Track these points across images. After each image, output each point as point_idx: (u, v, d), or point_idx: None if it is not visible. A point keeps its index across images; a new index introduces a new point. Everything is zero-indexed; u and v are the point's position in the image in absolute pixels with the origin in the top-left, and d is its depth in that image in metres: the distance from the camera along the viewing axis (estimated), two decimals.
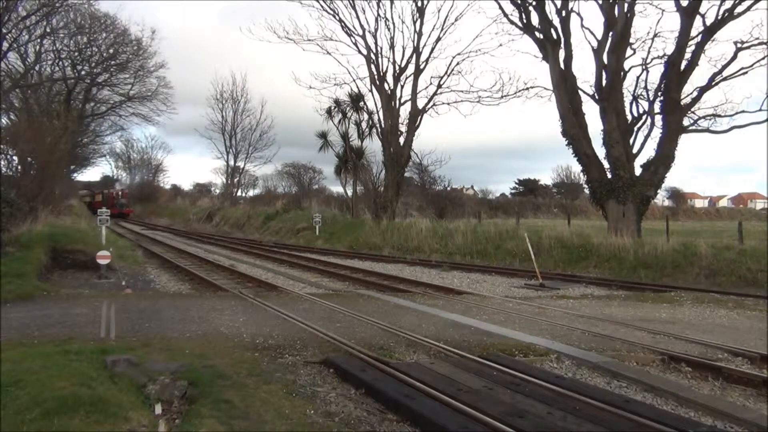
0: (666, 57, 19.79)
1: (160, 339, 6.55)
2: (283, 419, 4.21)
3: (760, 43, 18.70)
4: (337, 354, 6.07)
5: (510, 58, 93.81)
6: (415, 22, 27.70)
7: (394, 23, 27.97)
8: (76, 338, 6.38)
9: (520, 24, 22.01)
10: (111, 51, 36.93)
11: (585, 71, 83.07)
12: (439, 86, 27.80)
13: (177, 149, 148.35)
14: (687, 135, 20.25)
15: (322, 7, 27.86)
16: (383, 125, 28.17)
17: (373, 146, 32.55)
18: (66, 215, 23.53)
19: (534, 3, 21.08)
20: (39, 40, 30.49)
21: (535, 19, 21.32)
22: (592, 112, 21.98)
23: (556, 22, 20.76)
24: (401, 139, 27.99)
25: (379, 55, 28.04)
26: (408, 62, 28.02)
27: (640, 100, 20.79)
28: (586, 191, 32.94)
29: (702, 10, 18.89)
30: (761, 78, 39.71)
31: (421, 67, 27.81)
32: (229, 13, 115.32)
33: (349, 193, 34.00)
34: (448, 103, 28.32)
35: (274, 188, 59.67)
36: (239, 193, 58.25)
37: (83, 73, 37.25)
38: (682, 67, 19.21)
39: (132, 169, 76.48)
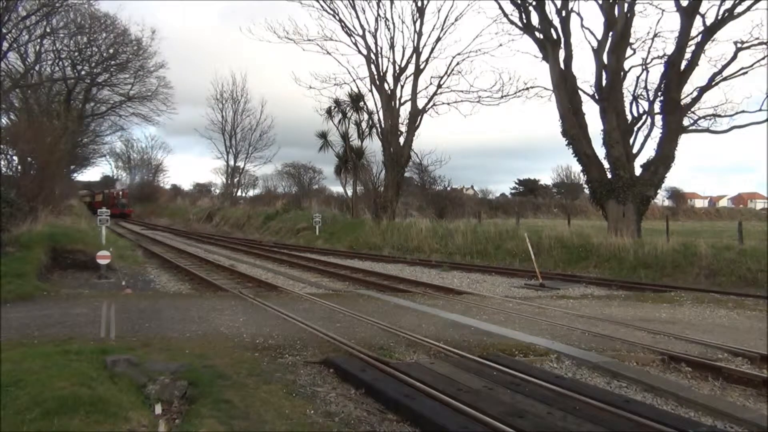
0: (666, 57, 19.80)
1: (160, 339, 6.55)
2: (283, 419, 4.21)
3: (760, 43, 18.71)
4: (337, 354, 6.07)
5: (510, 58, 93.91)
6: (415, 22, 27.74)
7: (394, 23, 28.03)
8: (76, 338, 6.38)
9: (520, 24, 22.02)
10: (111, 51, 36.95)
11: (585, 71, 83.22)
12: (439, 86, 27.84)
13: (177, 149, 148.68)
14: (687, 135, 20.28)
15: (322, 7, 27.92)
16: (383, 125, 28.17)
17: (373, 146, 32.61)
18: (66, 215, 23.53)
19: (534, 3, 21.08)
20: (39, 40, 30.52)
21: (535, 19, 21.35)
22: (592, 112, 22.03)
23: (556, 22, 20.79)
24: (401, 139, 28.00)
25: (379, 55, 28.09)
26: (408, 62, 28.06)
27: (640, 100, 20.83)
28: (586, 191, 32.96)
29: (702, 10, 18.92)
30: (761, 78, 39.77)
31: (421, 67, 27.82)
32: (229, 13, 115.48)
33: (349, 193, 34.04)
34: (448, 103, 28.36)
35: (274, 188, 59.77)
36: (239, 193, 58.36)
37: (83, 73, 37.27)
38: (682, 67, 19.21)
39: (132, 169, 76.60)
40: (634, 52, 20.58)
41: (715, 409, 4.87)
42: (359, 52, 28.12)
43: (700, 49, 19.11)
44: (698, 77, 38.51)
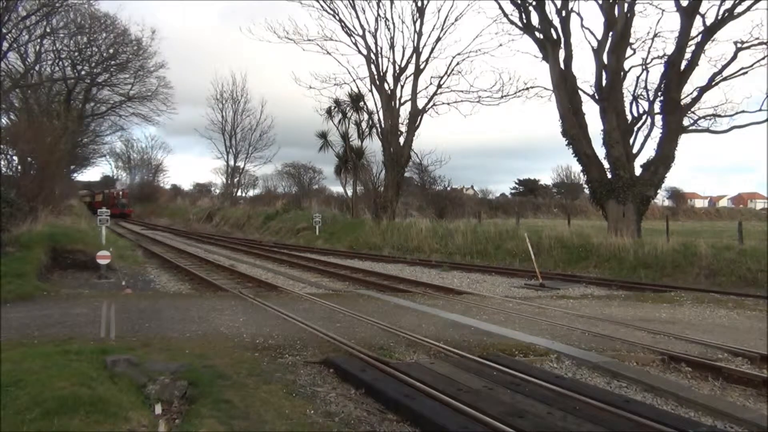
0: (666, 57, 19.80)
1: (160, 339, 6.55)
2: (283, 419, 4.21)
3: (760, 43, 18.71)
4: (337, 354, 6.07)
5: (510, 58, 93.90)
6: (415, 22, 27.74)
7: (394, 23, 28.03)
8: (76, 338, 6.38)
9: (520, 24, 22.03)
10: (111, 51, 36.95)
11: (585, 71, 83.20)
12: (439, 86, 27.84)
13: (177, 149, 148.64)
14: (687, 135, 20.28)
15: (322, 7, 27.91)
16: (383, 125, 28.17)
17: (373, 146, 32.61)
18: (66, 215, 23.53)
19: (534, 3, 21.08)
20: (39, 40, 30.52)
21: (535, 19, 21.35)
22: (592, 112, 22.03)
23: (556, 22, 20.79)
24: (401, 139, 27.99)
25: (379, 55, 28.09)
26: (408, 62, 28.06)
27: (640, 100, 20.83)
28: (586, 191, 32.96)
29: (702, 10, 18.92)
30: (761, 78, 39.75)
31: (421, 67, 27.82)
32: (229, 13, 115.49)
33: (349, 193, 34.04)
34: (448, 103, 28.36)
35: (274, 188, 59.77)
36: (239, 193, 58.36)
37: (83, 73, 37.27)
38: (682, 67, 19.21)
39: (132, 169, 76.58)
40: (634, 52, 20.61)
41: (715, 409, 4.87)
42: (359, 52, 28.17)
43: (700, 49, 19.11)
44: (698, 77, 38.53)
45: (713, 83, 19.39)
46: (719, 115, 20.10)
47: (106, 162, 72.21)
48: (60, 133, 23.53)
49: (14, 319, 7.63)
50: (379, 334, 7.14)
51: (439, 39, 27.70)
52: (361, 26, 27.92)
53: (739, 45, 18.91)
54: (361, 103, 30.35)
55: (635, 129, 20.38)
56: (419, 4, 27.49)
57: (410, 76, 27.98)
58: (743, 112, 19.82)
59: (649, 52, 20.71)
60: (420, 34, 27.70)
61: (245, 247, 24.39)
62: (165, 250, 22.42)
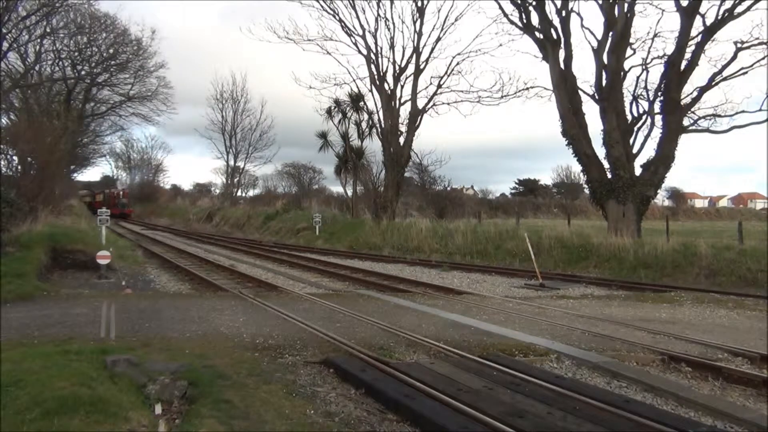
0: (666, 57, 19.80)
1: (160, 339, 6.55)
2: (283, 419, 4.21)
3: (760, 43, 18.71)
4: (337, 354, 6.07)
5: (510, 58, 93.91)
6: (415, 22, 27.74)
7: (394, 23, 28.03)
8: (76, 338, 6.38)
9: (520, 24, 22.02)
10: (111, 51, 36.95)
11: (585, 71, 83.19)
12: (439, 86, 27.84)
13: (177, 149, 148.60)
14: (687, 135, 20.28)
15: (322, 7, 27.91)
16: (383, 125, 28.17)
17: (373, 146, 32.60)
18: (66, 215, 23.53)
19: (534, 3, 21.08)
20: (39, 40, 30.51)
21: (535, 19, 21.35)
22: (592, 112, 22.04)
23: (556, 22, 20.79)
24: (401, 139, 27.99)
25: (379, 55, 28.09)
26: (408, 62, 28.05)
27: (640, 100, 20.83)
28: (586, 191, 32.96)
29: (702, 10, 18.93)
30: (761, 78, 39.78)
31: (421, 67, 27.82)
32: (229, 13, 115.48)
33: (349, 193, 34.04)
34: (448, 103, 28.36)
35: (274, 188, 59.76)
36: (239, 193, 58.35)
37: (83, 73, 37.26)
38: (682, 67, 19.21)
39: (132, 169, 76.56)
40: (634, 52, 20.61)
41: (715, 409, 4.87)
42: (359, 52, 28.16)
43: (700, 49, 19.11)
44: (698, 77, 38.56)
45: (713, 83, 19.39)
46: (719, 115, 20.13)
47: (106, 162, 72.28)
48: (60, 133, 23.54)
49: (14, 319, 7.63)
50: (379, 334, 7.14)
51: (439, 39, 27.74)
52: (361, 26, 27.97)
53: (739, 45, 18.92)
54: (361, 103, 30.36)
55: (635, 129, 20.39)
56: (419, 4, 27.52)
57: (410, 76, 28.02)
58: (743, 112, 19.86)
59: (649, 52, 20.76)
60: (420, 34, 27.74)
61: (245, 247, 24.39)
62: (165, 250, 22.42)
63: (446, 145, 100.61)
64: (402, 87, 28.21)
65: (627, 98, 20.57)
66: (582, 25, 20.87)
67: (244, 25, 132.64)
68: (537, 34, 21.33)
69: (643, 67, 20.81)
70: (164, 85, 42.71)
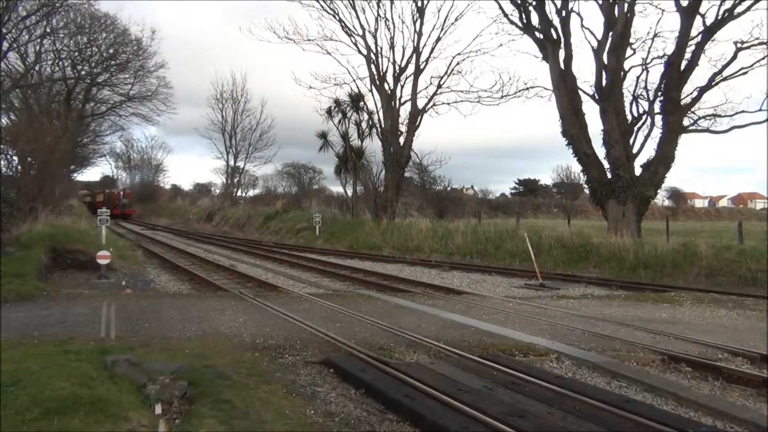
0: (666, 57, 19.81)
1: (160, 339, 6.56)
2: (283, 419, 4.20)
3: (760, 43, 18.72)
4: (337, 354, 6.07)
5: (510, 58, 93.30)
6: (415, 22, 27.73)
7: (394, 23, 27.99)
8: (76, 338, 6.39)
9: (520, 24, 22.03)
10: (111, 51, 36.92)
11: (585, 71, 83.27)
12: (439, 86, 27.81)
13: (177, 149, 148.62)
14: (687, 135, 20.31)
15: (322, 7, 27.89)
16: (383, 125, 28.16)
17: (373, 146, 32.57)
18: (66, 215, 23.52)
19: (534, 3, 21.09)
20: (39, 40, 30.44)
21: (535, 19, 21.36)
22: (592, 112, 21.98)
23: (556, 22, 20.80)
24: (401, 139, 27.98)
25: (379, 55, 28.07)
26: (408, 62, 28.04)
27: (640, 100, 20.85)
28: (586, 191, 32.98)
29: (702, 10, 18.95)
30: (761, 78, 39.66)
31: (421, 67, 27.81)
32: (229, 13, 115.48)
33: (349, 193, 34.03)
34: (448, 103, 28.32)
35: (274, 188, 59.83)
36: (239, 193, 58.29)
37: (83, 73, 37.23)
38: (682, 67, 19.22)
39: (132, 169, 76.53)
40: (634, 52, 20.62)
41: (715, 409, 4.87)
42: (359, 52, 28.15)
43: (700, 49, 19.12)
44: (698, 77, 38.33)
45: (713, 83, 19.41)
46: (719, 115, 20.14)
47: (106, 162, 72.28)
48: (60, 133, 23.55)
49: (14, 319, 7.63)
50: (379, 334, 7.14)
51: (439, 39, 27.73)
52: (361, 26, 27.94)
53: (739, 45, 18.93)
54: (361, 103, 30.33)
55: (635, 129, 20.40)
56: (419, 4, 27.51)
57: (410, 76, 28.00)
58: (743, 112, 19.87)
59: (649, 52, 20.76)
60: (420, 34, 27.72)
61: (245, 247, 24.38)
62: (165, 250, 22.42)
63: (446, 145, 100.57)
64: (402, 87, 28.24)
65: (627, 98, 20.63)
66: (582, 25, 20.91)
67: (244, 25, 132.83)
68: (537, 34, 21.34)
69: (643, 67, 20.84)
70: (164, 85, 42.71)
